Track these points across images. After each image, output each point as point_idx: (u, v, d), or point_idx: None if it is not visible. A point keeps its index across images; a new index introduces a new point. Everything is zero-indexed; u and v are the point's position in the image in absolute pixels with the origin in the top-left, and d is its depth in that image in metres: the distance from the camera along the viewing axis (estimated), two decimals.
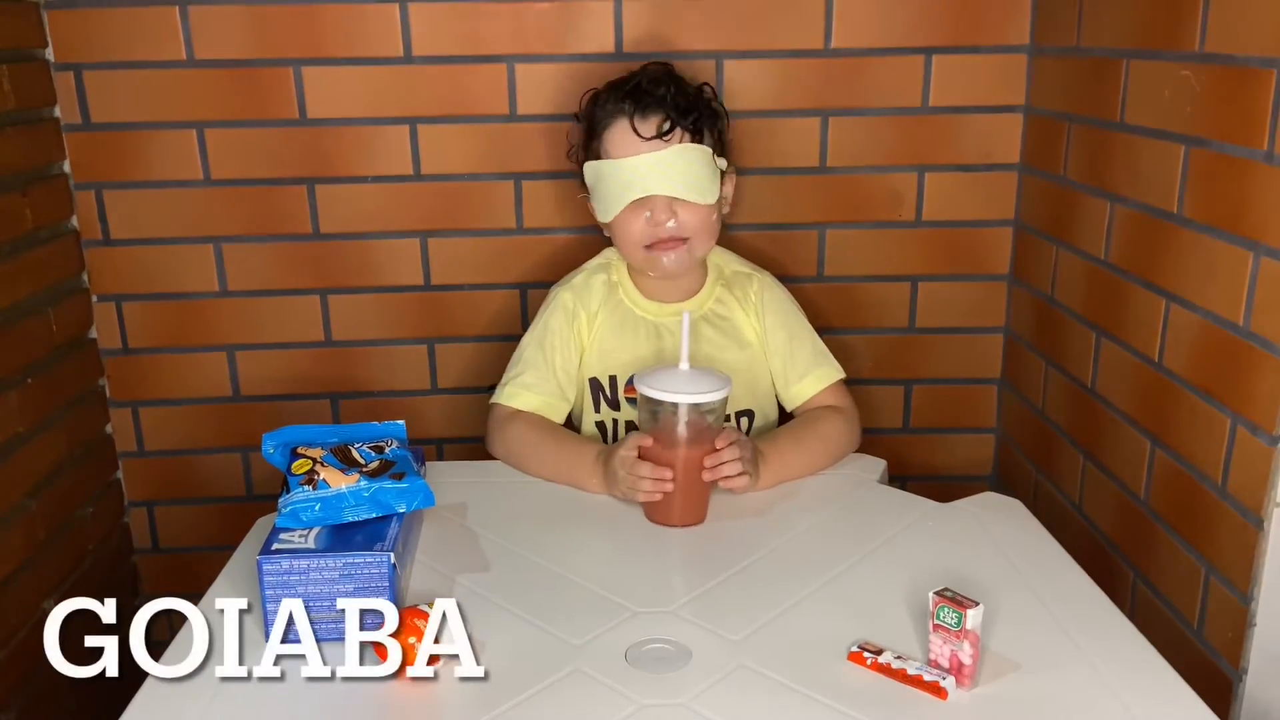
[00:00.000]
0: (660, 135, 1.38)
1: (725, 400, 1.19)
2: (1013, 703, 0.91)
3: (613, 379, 1.46)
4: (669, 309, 1.47)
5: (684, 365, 1.20)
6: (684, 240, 1.41)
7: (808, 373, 1.47)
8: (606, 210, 1.42)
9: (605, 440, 1.47)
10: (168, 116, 1.61)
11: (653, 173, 1.37)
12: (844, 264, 1.73)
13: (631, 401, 1.44)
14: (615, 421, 1.47)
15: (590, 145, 1.45)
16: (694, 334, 1.44)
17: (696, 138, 1.41)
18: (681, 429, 1.18)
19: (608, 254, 1.53)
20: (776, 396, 1.50)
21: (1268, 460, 1.09)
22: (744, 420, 1.48)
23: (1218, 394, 1.18)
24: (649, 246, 1.41)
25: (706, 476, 1.23)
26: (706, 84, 1.50)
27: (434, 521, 1.23)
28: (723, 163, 1.45)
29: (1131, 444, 1.36)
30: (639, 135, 1.38)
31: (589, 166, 1.43)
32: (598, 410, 1.47)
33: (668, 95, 1.40)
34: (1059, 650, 0.98)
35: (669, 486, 1.22)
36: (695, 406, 1.18)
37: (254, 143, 1.63)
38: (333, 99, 1.62)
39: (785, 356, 1.48)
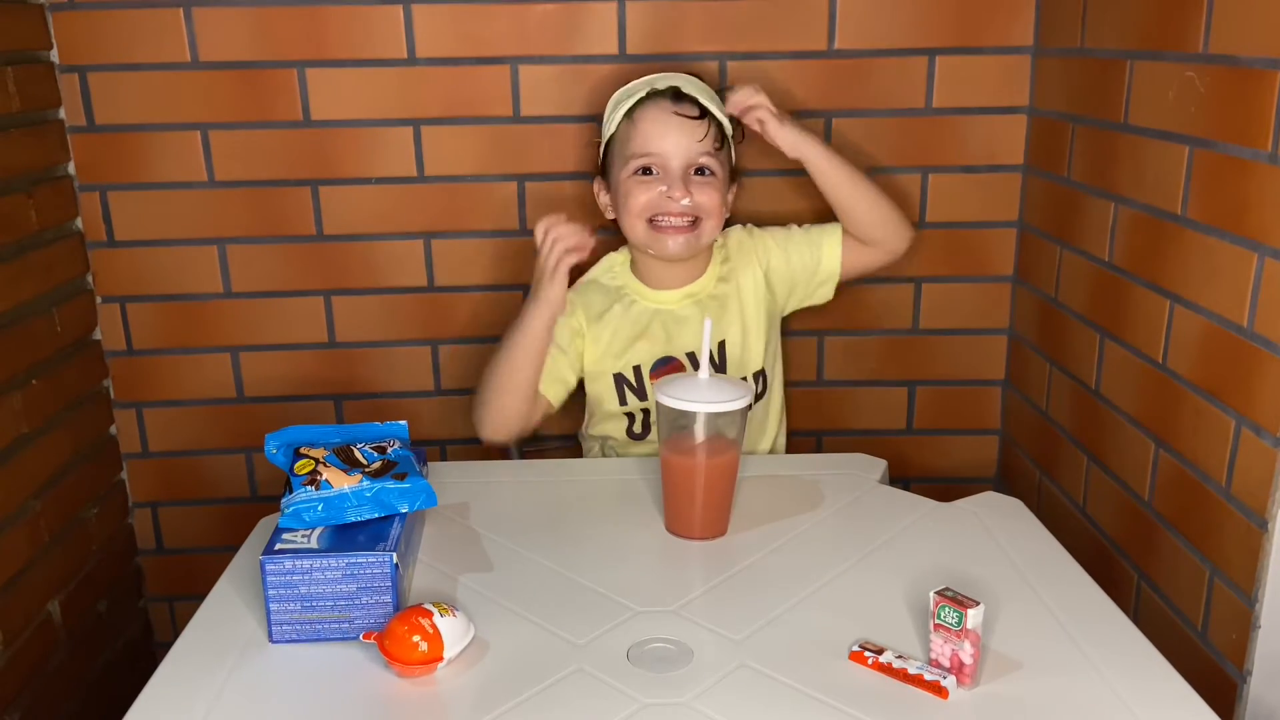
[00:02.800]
0: (695, 118, 1.43)
1: (746, 410, 1.18)
2: (1014, 702, 0.91)
3: (636, 369, 1.48)
4: (675, 295, 1.50)
5: (704, 374, 1.19)
6: (694, 224, 1.43)
7: (821, 241, 1.51)
8: (624, 167, 1.43)
9: (632, 428, 1.50)
10: (172, 118, 1.62)
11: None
12: None
13: None
14: (645, 411, 1.49)
15: (613, 130, 1.47)
16: (703, 311, 1.48)
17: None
18: (700, 438, 1.17)
19: (610, 258, 1.55)
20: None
21: (1272, 462, 1.08)
22: (759, 380, 1.51)
23: (1222, 395, 1.18)
24: (653, 222, 1.42)
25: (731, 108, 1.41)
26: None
27: (436, 522, 1.23)
28: (731, 136, 1.49)
29: (1135, 445, 1.36)
30: (674, 113, 1.42)
31: (614, 138, 1.46)
32: (624, 403, 1.49)
33: (699, 95, 1.45)
34: (1060, 650, 0.98)
35: (587, 238, 1.35)
36: (715, 416, 1.17)
37: (258, 144, 1.64)
38: (336, 101, 1.62)
39: (795, 252, 1.52)
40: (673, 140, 1.41)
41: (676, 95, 1.43)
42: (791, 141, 1.42)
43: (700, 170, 1.43)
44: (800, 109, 1.65)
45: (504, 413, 1.46)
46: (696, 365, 1.46)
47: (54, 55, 1.59)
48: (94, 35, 1.58)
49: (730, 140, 1.49)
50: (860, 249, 1.50)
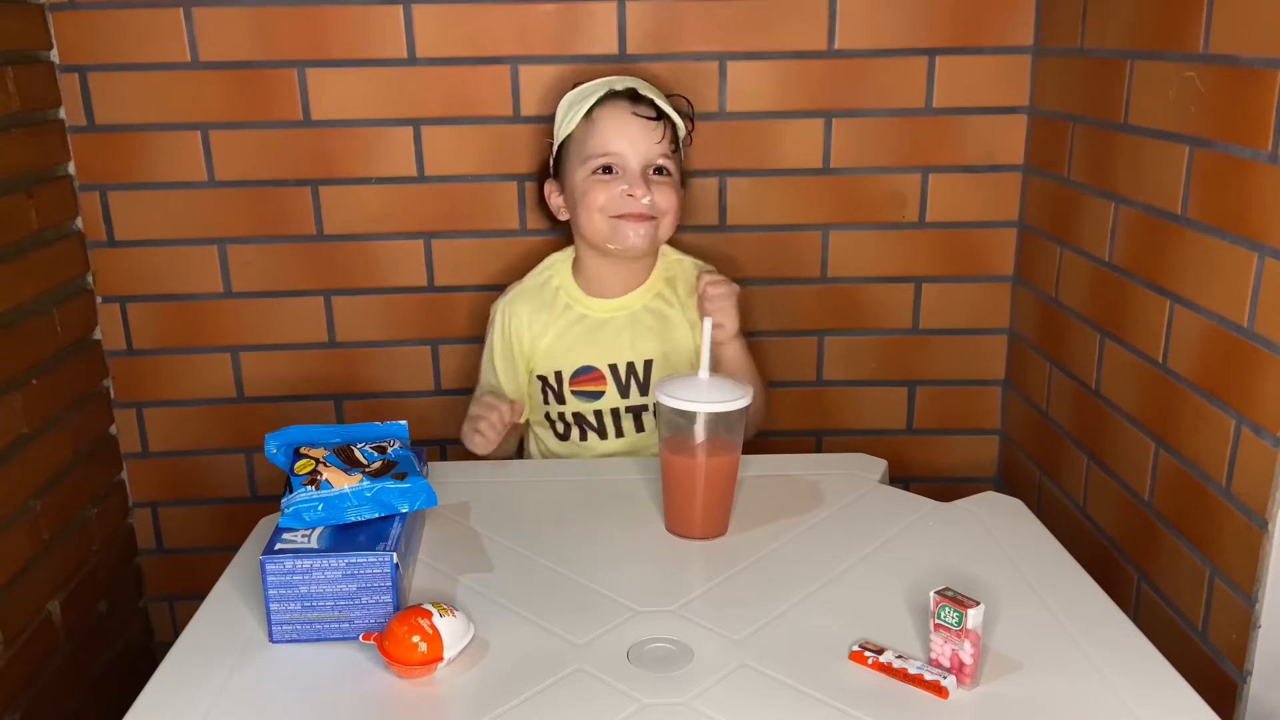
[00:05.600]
0: (652, 119, 1.44)
1: (745, 410, 1.18)
2: (1014, 702, 0.91)
3: (558, 374, 1.50)
4: (610, 304, 1.51)
5: (703, 374, 1.19)
6: (653, 218, 1.45)
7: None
8: (583, 166, 1.45)
9: (556, 430, 1.52)
10: (172, 118, 1.62)
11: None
12: (848, 265, 1.73)
13: (577, 394, 1.50)
14: (562, 414, 1.51)
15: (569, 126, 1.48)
16: (635, 325, 1.50)
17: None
18: (700, 438, 1.17)
19: (553, 258, 1.56)
20: None
21: (1272, 462, 1.09)
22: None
23: (1222, 395, 1.18)
24: (617, 216, 1.44)
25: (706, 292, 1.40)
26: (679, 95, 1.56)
27: (436, 521, 1.23)
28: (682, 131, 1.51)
29: (1136, 445, 1.36)
30: (633, 113, 1.44)
31: (570, 138, 1.47)
32: (546, 403, 1.52)
33: (655, 97, 1.47)
34: (1060, 650, 0.98)
35: (502, 422, 1.37)
36: (715, 415, 1.17)
37: (258, 144, 1.64)
38: (336, 100, 1.62)
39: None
40: (632, 140, 1.43)
41: (634, 96, 1.45)
42: (731, 325, 1.42)
43: (658, 170, 1.45)
44: (800, 109, 1.65)
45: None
46: (616, 375, 1.49)
47: (54, 55, 1.59)
48: (94, 35, 1.58)
49: (682, 144, 1.51)
50: None
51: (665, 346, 1.49)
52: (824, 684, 0.93)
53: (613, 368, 1.49)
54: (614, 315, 1.50)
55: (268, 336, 1.72)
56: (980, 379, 1.81)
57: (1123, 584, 1.39)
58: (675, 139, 1.48)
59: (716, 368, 1.41)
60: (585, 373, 1.49)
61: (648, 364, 1.49)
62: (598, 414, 1.50)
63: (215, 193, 1.66)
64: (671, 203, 1.45)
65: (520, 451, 1.61)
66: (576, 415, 1.50)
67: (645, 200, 1.43)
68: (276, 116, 1.63)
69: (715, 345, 1.39)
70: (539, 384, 1.51)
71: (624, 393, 1.49)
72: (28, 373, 1.48)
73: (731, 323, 1.42)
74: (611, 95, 1.45)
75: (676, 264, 1.55)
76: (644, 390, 1.49)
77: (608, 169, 1.44)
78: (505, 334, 1.52)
